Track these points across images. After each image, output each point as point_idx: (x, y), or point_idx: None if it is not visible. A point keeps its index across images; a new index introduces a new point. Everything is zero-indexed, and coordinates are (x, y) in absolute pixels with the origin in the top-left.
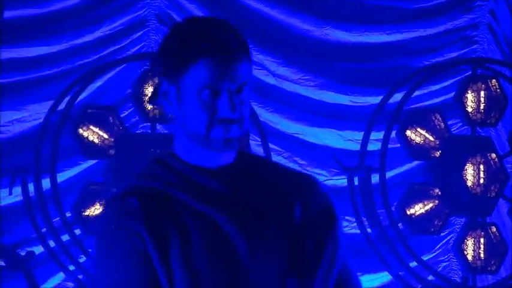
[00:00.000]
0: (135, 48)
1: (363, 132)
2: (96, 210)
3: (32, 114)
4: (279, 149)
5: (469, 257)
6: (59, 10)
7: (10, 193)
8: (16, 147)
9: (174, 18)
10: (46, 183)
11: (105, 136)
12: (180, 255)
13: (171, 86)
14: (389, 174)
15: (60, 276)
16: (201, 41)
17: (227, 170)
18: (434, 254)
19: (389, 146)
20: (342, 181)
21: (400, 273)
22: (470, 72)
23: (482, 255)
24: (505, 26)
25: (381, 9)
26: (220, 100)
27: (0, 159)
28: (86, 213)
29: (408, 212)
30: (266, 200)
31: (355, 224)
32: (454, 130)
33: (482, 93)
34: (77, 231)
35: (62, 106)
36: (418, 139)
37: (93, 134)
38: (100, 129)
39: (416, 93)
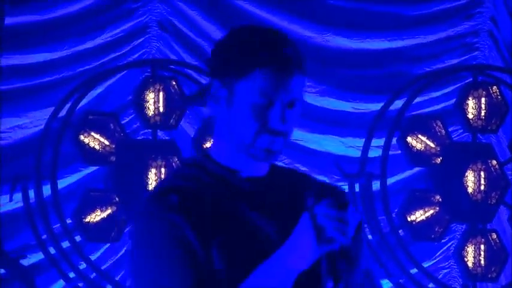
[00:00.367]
0: (136, 55)
1: (364, 139)
2: (96, 216)
3: (33, 121)
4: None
5: (470, 264)
6: (60, 17)
7: (10, 199)
8: (17, 153)
9: (175, 25)
10: (47, 189)
11: (106, 143)
12: (219, 248)
13: (223, 89)
14: (390, 180)
15: (61, 283)
16: (263, 49)
17: (260, 179)
18: (435, 260)
19: (390, 152)
20: (343, 188)
21: (400, 280)
22: (471, 79)
23: (482, 262)
24: (506, 32)
25: (382, 16)
26: (273, 111)
27: (0, 165)
28: (87, 220)
29: (409, 219)
30: (295, 204)
31: None
32: (455, 137)
33: (483, 99)
34: (78, 238)
35: (63, 113)
36: (419, 146)
37: (94, 140)
38: (101, 135)
39: (417, 99)
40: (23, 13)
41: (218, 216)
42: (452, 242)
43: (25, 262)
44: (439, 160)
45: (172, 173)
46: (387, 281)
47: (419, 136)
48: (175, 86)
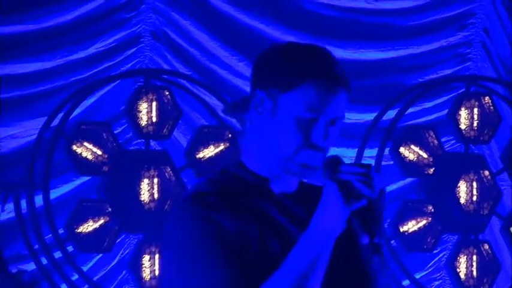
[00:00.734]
0: (129, 65)
1: (357, 149)
2: (89, 227)
3: (26, 131)
4: None
5: (462, 275)
6: (53, 26)
7: (2, 210)
8: (9, 163)
9: (168, 35)
10: (39, 199)
11: (99, 152)
12: (257, 247)
13: (268, 100)
14: None
15: None
16: (314, 63)
17: (289, 195)
18: (427, 271)
19: (383, 163)
20: None
21: None
22: (463, 90)
23: (474, 273)
24: (499, 43)
25: (375, 27)
26: (317, 125)
27: None
28: (79, 230)
29: (401, 229)
30: None
31: None
32: (447, 147)
33: (475, 110)
34: (70, 248)
35: (55, 122)
36: (411, 156)
37: (86, 150)
38: (94, 145)
39: (410, 110)
40: (16, 23)
41: (252, 217)
42: (444, 252)
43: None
44: (431, 171)
45: (205, 179)
46: None
47: (412, 146)
48: (168, 96)
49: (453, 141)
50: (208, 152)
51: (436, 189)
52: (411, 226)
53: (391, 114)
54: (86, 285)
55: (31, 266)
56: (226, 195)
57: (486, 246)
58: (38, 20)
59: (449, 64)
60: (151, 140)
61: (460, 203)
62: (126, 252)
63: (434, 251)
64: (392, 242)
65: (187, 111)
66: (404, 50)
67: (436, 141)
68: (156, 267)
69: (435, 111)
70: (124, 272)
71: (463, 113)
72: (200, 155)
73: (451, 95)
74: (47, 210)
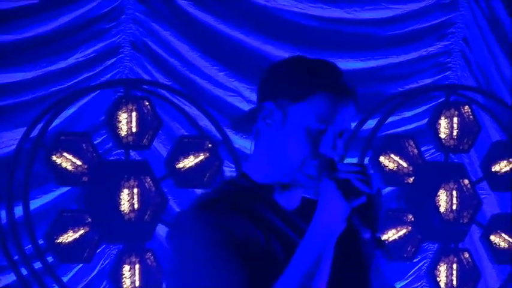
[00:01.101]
0: (109, 75)
1: None
2: (69, 237)
3: (5, 141)
4: None
5: (442, 284)
6: (32, 37)
7: None
8: None
9: (148, 45)
10: (19, 210)
11: (79, 163)
12: (263, 253)
13: (278, 111)
14: None
15: None
16: (325, 75)
17: (291, 211)
18: (408, 280)
19: None
20: None
21: None
22: (443, 99)
23: (455, 281)
24: (478, 53)
25: (355, 36)
26: (326, 137)
27: None
28: (59, 241)
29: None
30: None
31: None
32: (427, 156)
33: (455, 119)
34: (50, 259)
35: (35, 133)
36: (391, 165)
37: (66, 161)
38: (73, 156)
39: (390, 119)
40: None
41: (257, 224)
42: (424, 261)
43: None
44: (411, 180)
45: (211, 190)
46: None
47: (392, 156)
48: (148, 106)
49: (433, 150)
50: (188, 162)
51: (416, 198)
52: (391, 235)
53: (371, 123)
54: None
55: (11, 277)
56: (232, 203)
57: (466, 255)
58: (19, 30)
59: (429, 73)
60: (131, 150)
61: (440, 211)
62: (106, 262)
63: (415, 260)
64: None
65: (167, 121)
66: (384, 59)
67: (416, 151)
68: (137, 277)
69: (415, 120)
70: (104, 282)
71: (443, 122)
72: (180, 165)
73: (431, 104)
74: (27, 221)
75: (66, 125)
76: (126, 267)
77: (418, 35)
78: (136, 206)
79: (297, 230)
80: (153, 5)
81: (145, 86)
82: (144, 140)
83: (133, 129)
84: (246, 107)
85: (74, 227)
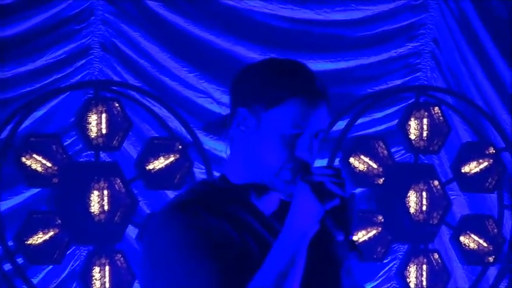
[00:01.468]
0: (78, 76)
1: None
2: (39, 238)
3: None
4: None
5: (412, 285)
6: (3, 38)
7: None
8: None
9: (118, 46)
10: None
11: (49, 164)
12: (238, 254)
13: (251, 117)
14: None
15: None
16: (296, 79)
17: (269, 215)
18: (378, 281)
19: None
20: None
21: None
22: (413, 100)
23: (424, 282)
24: (448, 54)
25: (325, 38)
26: (301, 140)
27: None
28: (29, 242)
29: None
30: None
31: None
32: (397, 157)
33: (425, 120)
34: (20, 260)
35: (4, 134)
36: (361, 166)
37: (36, 162)
38: (43, 157)
39: (360, 120)
40: None
41: (233, 225)
42: (394, 262)
43: None
44: (381, 181)
45: (186, 190)
46: None
47: (362, 157)
48: (118, 108)
49: (403, 152)
50: (159, 163)
51: (386, 199)
52: (361, 236)
53: (341, 124)
54: None
55: None
56: (207, 204)
57: (436, 256)
58: None
59: (399, 74)
60: (101, 152)
61: (410, 212)
62: (77, 264)
63: (385, 261)
64: None
65: (137, 122)
66: (354, 60)
67: (386, 152)
68: (107, 279)
69: (385, 121)
70: (74, 284)
71: (413, 123)
72: (150, 166)
73: (401, 106)
74: None
75: (36, 127)
76: (96, 269)
77: (388, 36)
78: (106, 207)
79: (274, 232)
80: (122, 6)
81: (115, 88)
82: (114, 142)
83: (103, 131)
84: (216, 108)
85: (44, 228)
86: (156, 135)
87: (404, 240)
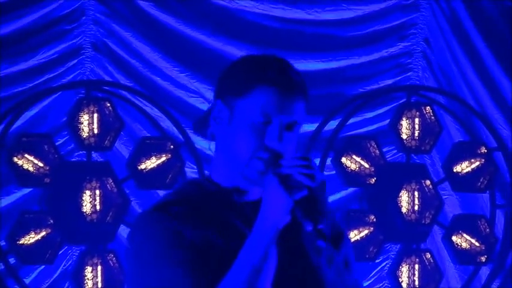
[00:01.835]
0: (70, 76)
1: None
2: (31, 238)
3: None
4: None
5: (404, 285)
6: None
7: None
8: None
9: (109, 46)
10: None
11: (40, 164)
12: (220, 254)
13: (225, 109)
14: None
15: None
16: (263, 69)
17: (253, 203)
18: (370, 281)
19: (325, 173)
20: None
21: None
22: (404, 100)
23: (417, 282)
24: (439, 53)
25: (316, 37)
26: (270, 128)
27: None
28: (21, 242)
29: None
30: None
31: None
32: (389, 157)
33: (416, 120)
34: (12, 260)
35: None
36: (353, 166)
37: (28, 162)
38: (35, 157)
39: (352, 120)
40: None
41: (215, 225)
42: (386, 262)
43: None
44: (373, 180)
45: (173, 191)
46: None
47: (354, 157)
48: (110, 108)
49: (395, 151)
50: (150, 163)
51: (378, 198)
52: (353, 236)
53: (332, 124)
54: None
55: None
56: (190, 205)
57: (428, 255)
58: None
59: (391, 74)
60: (93, 152)
61: (402, 212)
62: (69, 264)
63: (377, 261)
64: None
65: (129, 122)
66: (346, 60)
67: (377, 151)
68: (99, 279)
69: (376, 121)
70: (67, 284)
71: (404, 123)
72: (142, 166)
73: (392, 105)
74: None
75: (27, 127)
76: (89, 269)
77: (379, 36)
78: (98, 207)
79: (249, 223)
80: (113, 6)
81: (106, 87)
82: (106, 142)
83: (95, 131)
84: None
85: (36, 228)
86: (148, 135)
87: (396, 240)
